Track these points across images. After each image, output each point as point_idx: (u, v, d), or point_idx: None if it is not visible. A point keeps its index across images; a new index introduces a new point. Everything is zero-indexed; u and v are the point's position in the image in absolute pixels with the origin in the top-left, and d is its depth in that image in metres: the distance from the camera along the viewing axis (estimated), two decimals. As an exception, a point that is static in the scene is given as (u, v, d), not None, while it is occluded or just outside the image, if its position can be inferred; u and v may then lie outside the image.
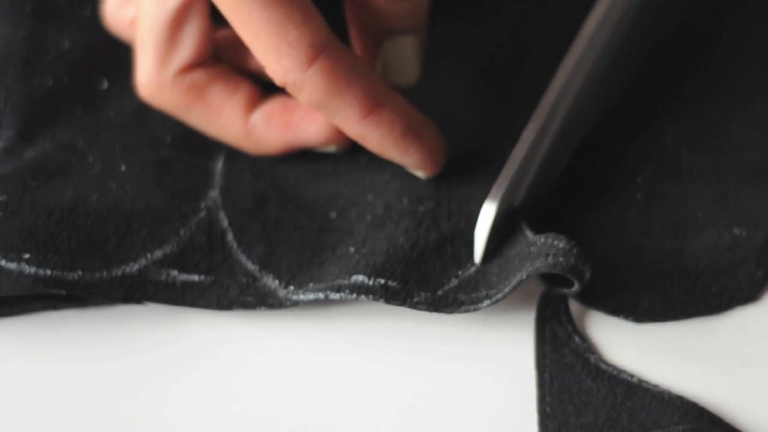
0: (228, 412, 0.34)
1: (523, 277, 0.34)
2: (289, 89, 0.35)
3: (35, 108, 0.40)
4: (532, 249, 0.35)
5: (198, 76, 0.38)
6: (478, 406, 0.34)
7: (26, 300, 0.36)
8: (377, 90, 0.36)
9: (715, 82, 0.41)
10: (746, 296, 0.36)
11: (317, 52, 0.34)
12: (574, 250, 0.34)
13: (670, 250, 0.37)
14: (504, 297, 0.34)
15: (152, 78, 0.38)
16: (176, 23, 0.37)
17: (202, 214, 0.38)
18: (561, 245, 0.34)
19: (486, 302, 0.34)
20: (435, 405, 0.34)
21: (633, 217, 0.38)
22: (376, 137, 0.36)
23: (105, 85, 0.41)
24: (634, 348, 0.35)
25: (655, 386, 0.34)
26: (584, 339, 0.35)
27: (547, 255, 0.34)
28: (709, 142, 0.40)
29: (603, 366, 0.34)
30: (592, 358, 0.34)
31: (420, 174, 0.38)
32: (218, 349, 0.36)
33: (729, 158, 0.39)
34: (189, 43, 0.37)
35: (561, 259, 0.34)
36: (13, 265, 0.35)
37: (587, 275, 0.34)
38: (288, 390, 0.34)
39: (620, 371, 0.34)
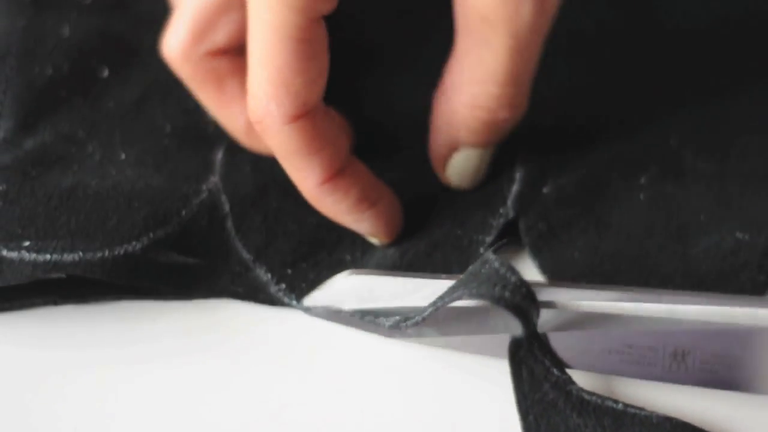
0: (230, 405, 0.34)
1: (466, 296, 0.32)
2: (258, 128, 0.34)
3: (35, 98, 0.40)
4: (483, 270, 0.33)
5: (222, 63, 0.37)
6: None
7: (27, 295, 0.36)
8: (342, 157, 0.35)
9: (720, 84, 0.41)
10: None
11: (306, 110, 0.34)
12: (523, 289, 0.32)
13: (672, 253, 0.37)
14: (443, 306, 0.33)
15: (181, 48, 0.37)
16: (222, 6, 0.36)
17: (204, 195, 0.38)
18: (513, 279, 0.32)
19: (430, 309, 0.33)
20: (432, 401, 0.34)
21: (636, 219, 0.38)
22: (330, 202, 0.35)
23: (105, 73, 0.41)
24: None
25: (641, 410, 0.33)
26: (563, 370, 0.33)
27: (495, 285, 0.32)
28: (713, 145, 0.39)
29: (586, 396, 0.33)
30: (574, 390, 0.33)
31: (374, 241, 0.37)
32: (218, 342, 0.36)
33: (733, 161, 0.39)
34: (226, 29, 0.37)
35: (507, 294, 0.32)
36: (14, 254, 0.35)
37: (533, 317, 0.32)
38: (286, 389, 0.34)
39: (604, 399, 0.33)
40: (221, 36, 0.37)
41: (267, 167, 0.39)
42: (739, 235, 0.37)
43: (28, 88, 0.40)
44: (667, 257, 0.37)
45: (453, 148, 0.37)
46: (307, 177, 0.35)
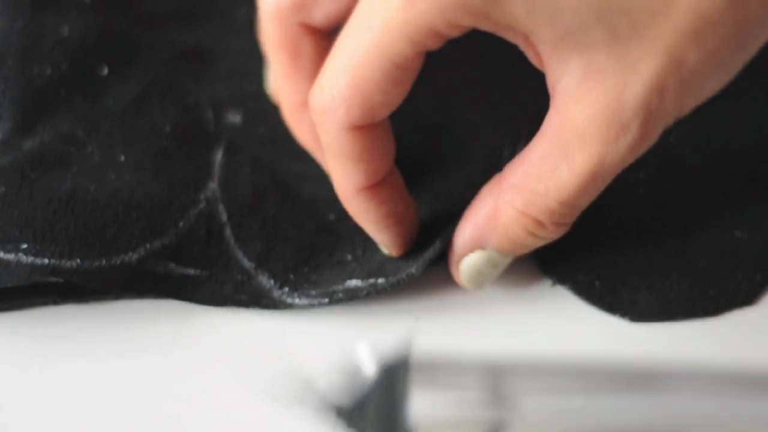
0: (228, 406, 0.34)
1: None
2: (314, 117, 0.33)
3: (34, 98, 0.39)
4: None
5: (306, 39, 0.36)
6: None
7: (26, 295, 0.36)
8: (386, 168, 0.34)
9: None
10: (744, 300, 0.36)
11: (375, 124, 0.33)
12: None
13: (670, 249, 0.37)
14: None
15: (277, 7, 0.36)
16: None
17: (202, 205, 0.38)
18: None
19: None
20: None
21: (635, 214, 0.38)
22: (361, 208, 0.35)
23: (105, 71, 0.41)
24: (626, 346, 0.35)
25: None
26: None
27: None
28: (712, 142, 0.39)
29: None
30: None
31: (384, 250, 0.37)
32: (220, 344, 0.36)
33: (732, 159, 0.39)
34: (328, 9, 0.36)
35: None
36: (11, 256, 0.35)
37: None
38: (288, 384, 0.34)
39: None
40: (320, 14, 0.36)
41: (267, 166, 0.39)
42: (737, 233, 0.37)
43: (27, 89, 0.40)
44: (665, 253, 0.37)
45: (479, 246, 0.35)
46: (347, 180, 0.34)
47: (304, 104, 0.36)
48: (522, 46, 0.32)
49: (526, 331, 0.36)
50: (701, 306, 0.36)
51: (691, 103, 0.32)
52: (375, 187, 0.34)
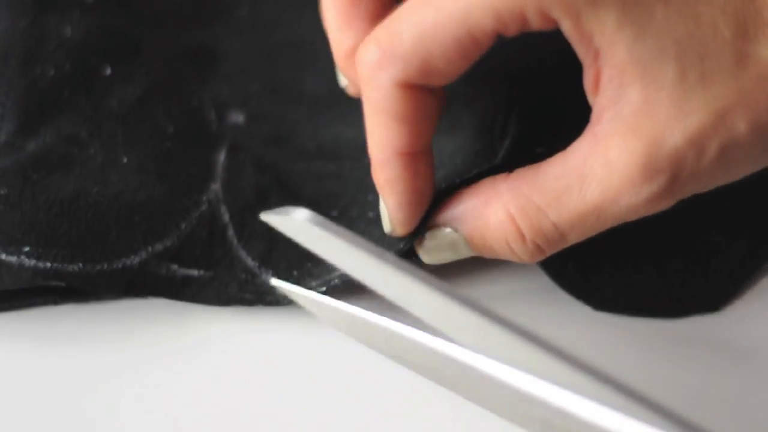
0: (228, 406, 0.34)
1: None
2: (361, 70, 0.32)
3: (37, 99, 0.39)
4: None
5: None
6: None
7: (26, 295, 0.36)
8: (428, 139, 0.33)
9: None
10: (710, 307, 0.36)
11: (427, 88, 0.32)
12: None
13: (648, 245, 0.37)
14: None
15: None
16: None
17: (204, 207, 0.38)
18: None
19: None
20: (433, 401, 0.34)
21: None
22: (391, 175, 0.33)
23: (108, 71, 0.41)
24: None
25: None
26: None
27: None
28: None
29: None
30: None
31: (386, 226, 0.35)
32: (219, 343, 0.36)
33: None
34: None
35: None
36: (13, 259, 0.35)
37: None
38: (288, 385, 0.35)
39: None
40: None
41: (269, 166, 0.39)
42: (717, 237, 0.37)
43: (30, 90, 0.39)
44: (642, 248, 0.37)
45: (453, 225, 0.34)
46: (388, 141, 0.32)
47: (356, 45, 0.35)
48: (587, 63, 0.31)
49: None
50: (665, 307, 0.36)
51: (723, 175, 0.31)
52: (414, 156, 0.33)
